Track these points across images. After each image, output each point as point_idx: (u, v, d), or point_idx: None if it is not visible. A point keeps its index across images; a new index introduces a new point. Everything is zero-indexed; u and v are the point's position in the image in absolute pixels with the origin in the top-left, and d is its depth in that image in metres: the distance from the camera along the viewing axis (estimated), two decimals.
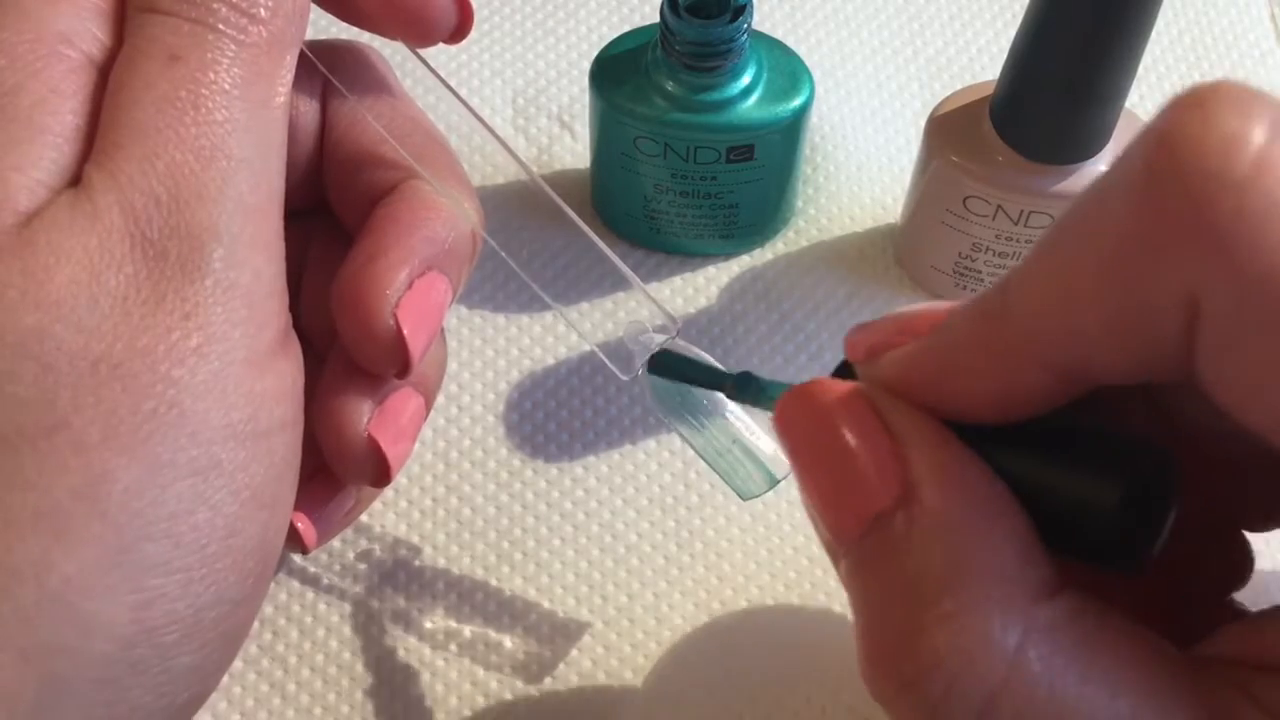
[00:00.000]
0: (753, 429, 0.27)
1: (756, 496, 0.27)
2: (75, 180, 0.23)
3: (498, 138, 0.29)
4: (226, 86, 0.24)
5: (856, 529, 0.20)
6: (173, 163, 0.23)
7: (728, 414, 0.28)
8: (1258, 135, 0.16)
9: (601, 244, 0.29)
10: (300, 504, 0.28)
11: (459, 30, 0.28)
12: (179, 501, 0.22)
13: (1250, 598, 0.25)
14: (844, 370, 0.23)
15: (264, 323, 0.24)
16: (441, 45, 0.29)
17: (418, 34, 0.28)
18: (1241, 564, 0.25)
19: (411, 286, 0.27)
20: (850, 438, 0.20)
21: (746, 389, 0.25)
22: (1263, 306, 0.16)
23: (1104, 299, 0.18)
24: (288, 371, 0.25)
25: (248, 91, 0.24)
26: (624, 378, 0.29)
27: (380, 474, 0.28)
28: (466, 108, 0.29)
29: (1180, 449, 0.23)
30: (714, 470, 0.28)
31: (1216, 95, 0.17)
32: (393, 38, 0.28)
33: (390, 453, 0.28)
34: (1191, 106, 0.17)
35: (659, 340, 0.28)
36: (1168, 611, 0.23)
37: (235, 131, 0.24)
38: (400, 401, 0.29)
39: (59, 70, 0.24)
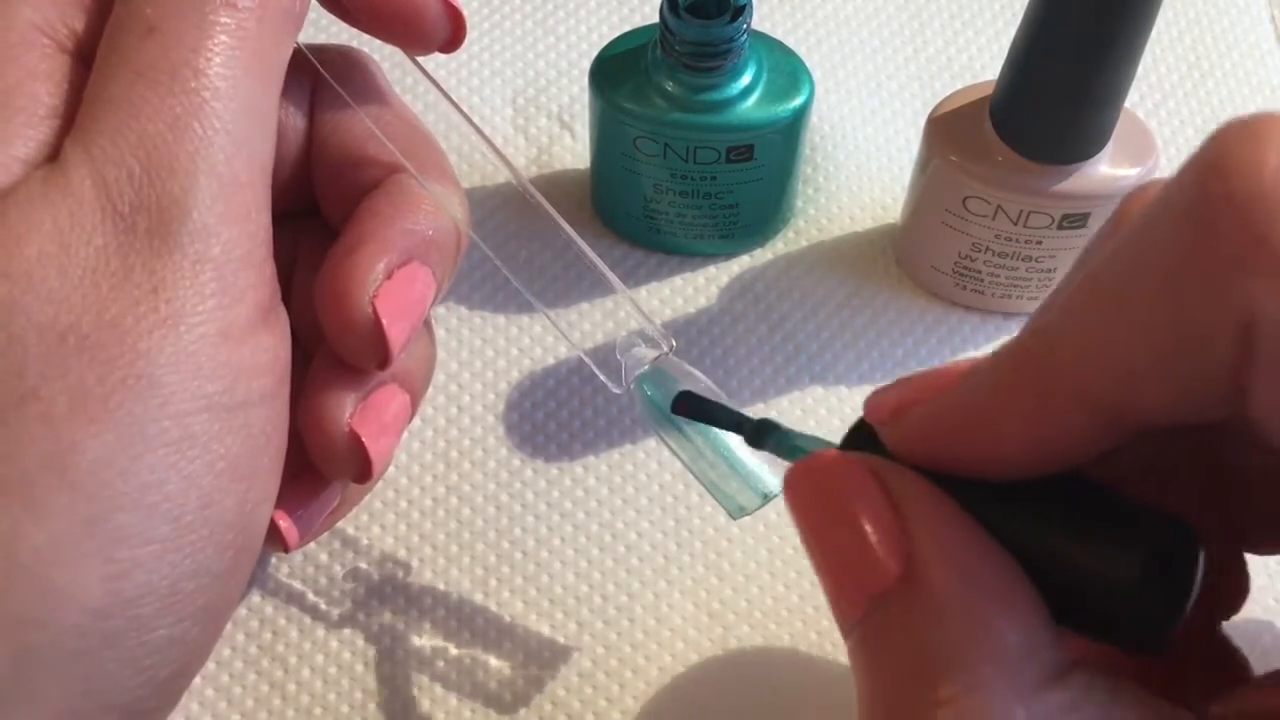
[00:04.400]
0: (744, 445, 0.27)
1: (747, 514, 0.27)
2: (55, 156, 0.23)
3: (490, 143, 0.29)
4: (206, 54, 0.23)
5: (860, 607, 0.20)
6: (145, 134, 0.23)
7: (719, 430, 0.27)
8: None
9: (595, 257, 0.29)
10: (283, 502, 0.28)
11: (451, 42, 0.29)
12: (151, 472, 0.22)
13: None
14: (859, 432, 0.22)
15: (239, 296, 0.24)
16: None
17: (410, 43, 0.28)
18: (1237, 588, 0.25)
19: (391, 277, 0.27)
20: (853, 514, 0.20)
21: (766, 436, 0.25)
22: None
23: (1156, 327, 0.17)
24: (268, 345, 0.25)
25: (231, 58, 0.24)
26: (616, 390, 0.29)
27: (362, 469, 0.28)
28: (464, 116, 0.29)
29: (1191, 480, 0.22)
30: (703, 486, 0.28)
31: (1264, 123, 0.17)
32: (388, 43, 0.29)
33: (372, 448, 0.28)
34: (1244, 135, 0.17)
35: (650, 355, 0.28)
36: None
37: (213, 100, 0.23)
38: (384, 397, 0.29)
39: (33, 56, 0.24)
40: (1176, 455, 0.22)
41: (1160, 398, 0.18)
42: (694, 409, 0.27)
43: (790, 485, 0.21)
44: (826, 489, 0.21)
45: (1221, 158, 0.17)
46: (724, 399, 0.27)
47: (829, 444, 0.23)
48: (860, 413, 0.22)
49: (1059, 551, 0.19)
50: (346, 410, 0.28)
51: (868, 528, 0.20)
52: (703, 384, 0.28)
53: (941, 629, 0.19)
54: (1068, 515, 0.19)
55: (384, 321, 0.26)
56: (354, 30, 0.29)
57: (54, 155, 0.23)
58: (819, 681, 0.32)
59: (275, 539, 0.29)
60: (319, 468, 0.28)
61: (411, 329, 0.27)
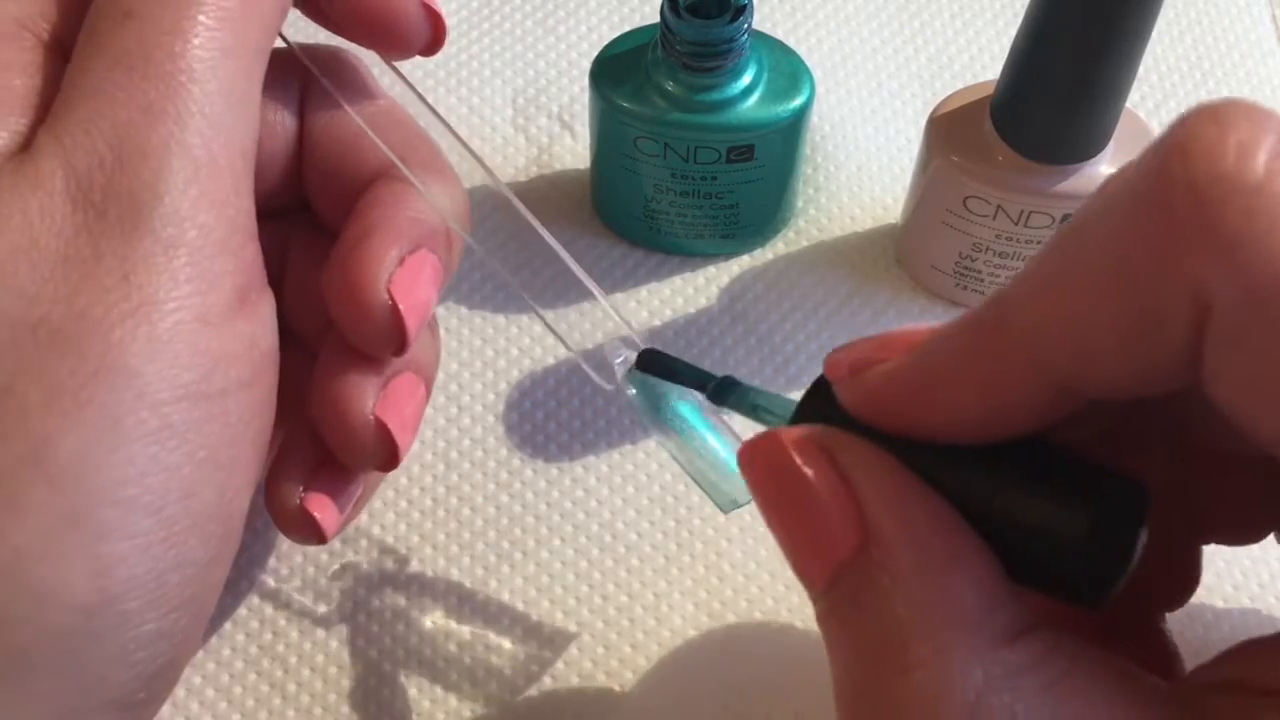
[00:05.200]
0: (734, 443, 0.27)
1: (738, 508, 0.27)
2: (28, 146, 0.23)
3: (466, 146, 0.30)
4: (184, 36, 0.23)
5: (821, 578, 0.20)
6: (118, 121, 0.23)
7: (710, 424, 0.27)
8: (1269, 143, 0.17)
9: (569, 259, 0.29)
10: (313, 494, 0.28)
11: (431, 45, 0.29)
12: (131, 464, 0.22)
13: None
14: (818, 390, 0.23)
15: (214, 281, 0.23)
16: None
17: (390, 46, 0.28)
18: (1187, 583, 0.25)
19: (402, 263, 0.27)
20: (806, 487, 0.20)
21: (727, 394, 0.25)
22: (1271, 307, 0.16)
23: (1112, 303, 0.18)
24: (246, 332, 0.24)
25: (210, 41, 0.23)
26: (607, 387, 0.29)
27: (389, 456, 0.28)
28: (434, 114, 0.30)
29: (1156, 466, 0.22)
30: (694, 481, 0.28)
31: (1230, 108, 0.17)
32: (367, 48, 0.29)
33: (398, 434, 0.28)
34: (1205, 117, 0.17)
35: (631, 355, 0.28)
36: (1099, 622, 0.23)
37: (189, 84, 0.23)
38: (404, 383, 0.29)
39: (9, 49, 0.24)
40: (1146, 434, 0.23)
41: (1111, 371, 0.18)
42: (657, 366, 0.27)
43: (743, 462, 0.22)
44: (778, 465, 0.21)
45: (1183, 140, 0.17)
46: (700, 414, 0.28)
47: (789, 401, 0.24)
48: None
49: (1008, 508, 0.20)
50: (368, 399, 0.28)
51: (820, 502, 0.20)
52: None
53: (901, 596, 0.19)
54: (1018, 472, 0.20)
55: (401, 307, 0.26)
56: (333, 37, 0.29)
57: (28, 145, 0.23)
58: (819, 681, 0.32)
59: (311, 531, 0.29)
60: (342, 458, 0.28)
61: (425, 314, 0.27)
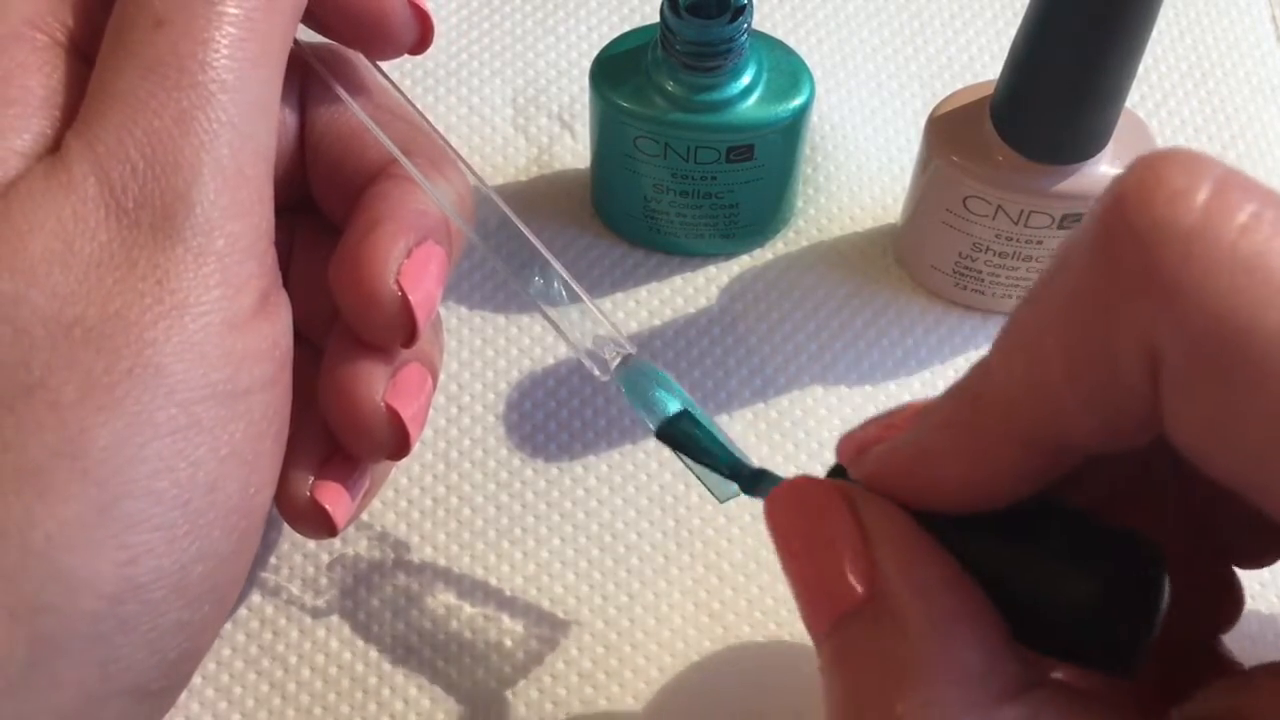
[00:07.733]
0: (728, 438, 0.27)
1: (732, 497, 0.27)
2: (55, 147, 0.23)
3: (448, 144, 0.30)
4: (214, 46, 0.24)
5: (827, 624, 0.21)
6: (151, 129, 0.23)
7: (706, 420, 0.27)
8: (1203, 191, 0.17)
9: (556, 263, 0.29)
10: (323, 485, 0.29)
11: (420, 42, 0.29)
12: (160, 459, 0.23)
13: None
14: (837, 474, 0.23)
15: (241, 285, 0.24)
16: (440, 44, 0.29)
17: (378, 45, 0.29)
18: (1231, 602, 0.25)
19: (410, 255, 0.27)
20: (824, 535, 0.21)
21: (759, 484, 0.25)
22: (1213, 352, 0.17)
23: (1067, 355, 0.18)
24: (268, 333, 0.25)
25: (239, 51, 0.24)
26: (603, 378, 0.29)
27: (400, 443, 0.28)
28: (420, 115, 0.30)
29: (1178, 497, 0.22)
30: (691, 472, 0.28)
31: (1165, 158, 0.17)
32: (355, 48, 0.29)
33: (408, 422, 0.28)
34: (1142, 168, 0.17)
35: (619, 353, 0.28)
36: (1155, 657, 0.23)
37: (220, 94, 0.24)
38: (414, 373, 0.29)
39: (23, 49, 0.24)
40: (1160, 474, 0.23)
41: (1084, 426, 0.18)
42: (683, 443, 0.27)
43: (770, 506, 0.22)
44: (802, 511, 0.22)
45: (1121, 191, 0.17)
46: (693, 406, 0.27)
47: None
48: (858, 418, 0.23)
49: (1024, 577, 0.20)
50: (378, 387, 0.28)
51: (836, 548, 0.21)
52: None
53: (901, 647, 0.19)
54: (1032, 541, 0.20)
55: (411, 298, 0.27)
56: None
57: (52, 147, 0.24)
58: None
59: (321, 523, 0.29)
60: (352, 448, 0.28)
61: (433, 305, 0.28)
